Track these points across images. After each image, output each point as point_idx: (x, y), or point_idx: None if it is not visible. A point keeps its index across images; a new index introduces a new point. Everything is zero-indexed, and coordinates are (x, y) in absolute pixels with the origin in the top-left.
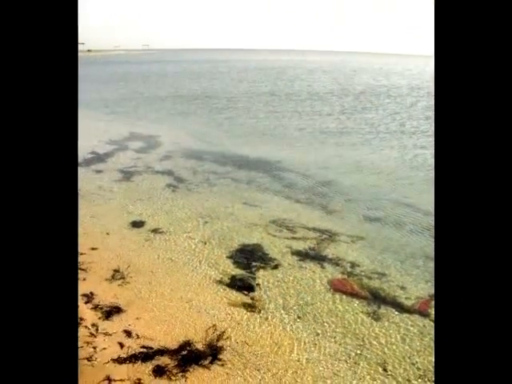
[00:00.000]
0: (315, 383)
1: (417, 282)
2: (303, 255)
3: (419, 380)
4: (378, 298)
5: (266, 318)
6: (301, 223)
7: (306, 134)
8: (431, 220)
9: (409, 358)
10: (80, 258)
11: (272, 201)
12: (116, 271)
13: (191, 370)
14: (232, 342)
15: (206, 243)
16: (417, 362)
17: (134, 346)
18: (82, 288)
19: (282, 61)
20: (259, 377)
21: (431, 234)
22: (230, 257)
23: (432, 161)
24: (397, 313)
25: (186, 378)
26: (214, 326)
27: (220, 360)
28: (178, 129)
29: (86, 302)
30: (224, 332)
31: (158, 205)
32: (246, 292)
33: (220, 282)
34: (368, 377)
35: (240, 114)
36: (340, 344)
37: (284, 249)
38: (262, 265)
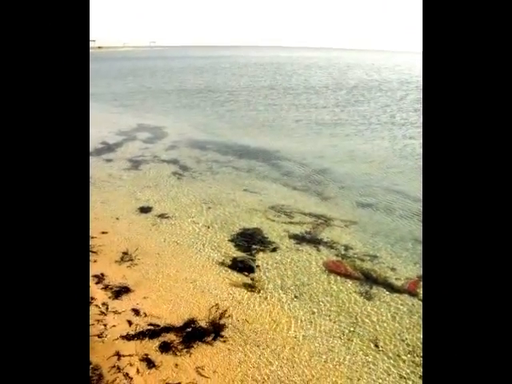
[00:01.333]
0: (311, 358)
1: (406, 263)
2: (300, 239)
3: (408, 355)
4: (369, 279)
5: (265, 298)
6: (298, 209)
7: (303, 126)
8: (419, 206)
9: (399, 334)
10: (91, 242)
11: (271, 188)
12: (125, 253)
13: (195, 346)
14: (233, 320)
15: (209, 227)
16: (406, 339)
17: (141, 324)
18: (93, 269)
19: (280, 57)
20: (259, 352)
21: (419, 218)
22: (232, 240)
23: (420, 150)
24: (387, 292)
25: (191, 353)
26: (217, 305)
27: (222, 337)
28: (182, 121)
29: (96, 283)
30: (226, 311)
31: (164, 191)
32: (246, 273)
33: (222, 263)
34: (361, 352)
35: (241, 107)
36: (334, 322)
37: (282, 233)
38: (261, 248)
